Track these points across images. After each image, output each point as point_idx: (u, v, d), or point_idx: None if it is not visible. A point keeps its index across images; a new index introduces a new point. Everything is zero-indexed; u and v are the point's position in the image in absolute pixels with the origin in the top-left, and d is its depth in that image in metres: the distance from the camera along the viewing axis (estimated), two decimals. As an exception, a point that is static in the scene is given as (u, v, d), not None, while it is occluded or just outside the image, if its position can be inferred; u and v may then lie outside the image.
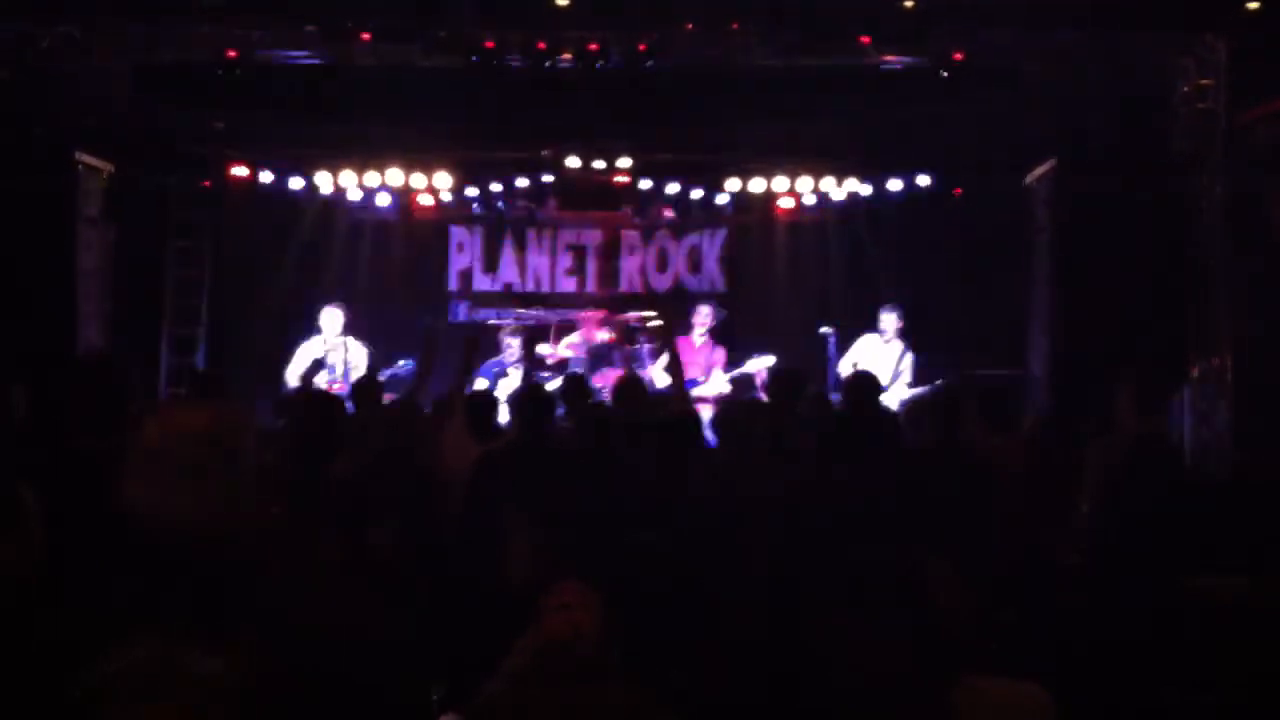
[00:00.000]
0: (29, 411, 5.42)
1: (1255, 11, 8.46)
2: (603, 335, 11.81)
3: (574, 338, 11.72)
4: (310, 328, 10.55)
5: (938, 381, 8.97)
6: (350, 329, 10.45)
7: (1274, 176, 8.89)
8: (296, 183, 11.96)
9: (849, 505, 3.92)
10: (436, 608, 3.83)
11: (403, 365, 10.14)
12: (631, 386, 6.96)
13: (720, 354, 10.60)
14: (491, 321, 12.23)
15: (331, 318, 10.34)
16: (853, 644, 2.44)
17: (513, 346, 10.68)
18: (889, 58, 9.51)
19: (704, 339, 10.73)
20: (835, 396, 8.35)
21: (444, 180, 12.01)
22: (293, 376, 10.24)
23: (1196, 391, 9.41)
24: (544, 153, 11.83)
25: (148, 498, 2.37)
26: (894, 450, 5.06)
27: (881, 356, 10.03)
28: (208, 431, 2.43)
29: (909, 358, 10.01)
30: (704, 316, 10.93)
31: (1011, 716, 2.60)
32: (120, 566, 2.44)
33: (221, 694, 2.05)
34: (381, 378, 8.93)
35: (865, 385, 6.09)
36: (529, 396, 6.20)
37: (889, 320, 10.17)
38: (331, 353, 10.19)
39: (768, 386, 6.59)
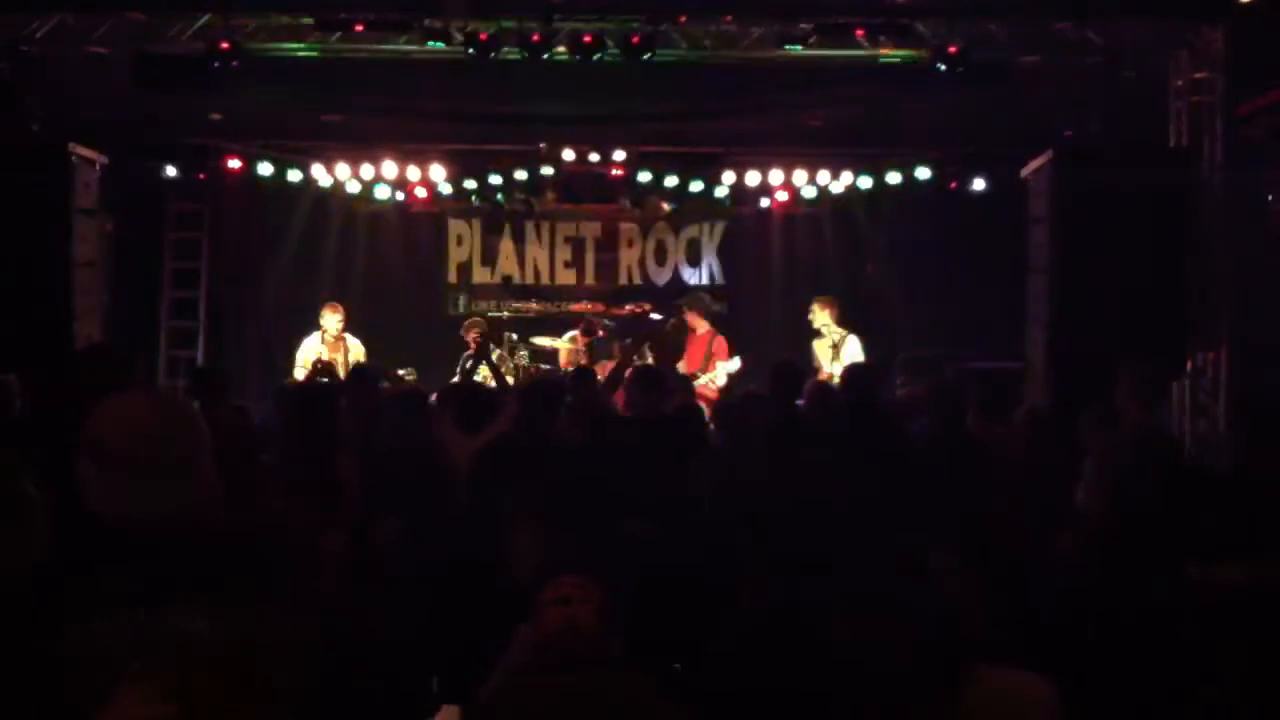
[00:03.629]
0: (26, 403, 5.40)
1: (1252, 3, 8.45)
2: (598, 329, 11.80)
3: (572, 331, 11.72)
4: (308, 320, 10.51)
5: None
6: (348, 325, 10.40)
7: (1272, 168, 8.89)
8: (293, 175, 11.93)
9: (851, 497, 3.92)
10: (438, 601, 3.83)
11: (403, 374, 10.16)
12: (630, 378, 6.93)
13: (721, 345, 10.56)
14: (492, 314, 12.25)
15: (331, 317, 10.26)
16: (858, 635, 2.45)
17: (470, 342, 10.65)
18: (885, 50, 9.51)
19: (706, 331, 10.69)
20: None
21: (440, 173, 11.99)
22: (299, 375, 10.16)
23: (1195, 383, 9.42)
24: (540, 145, 11.82)
25: (99, 492, 2.30)
26: (895, 442, 5.07)
27: (821, 351, 9.89)
28: (147, 424, 2.34)
29: (852, 342, 9.82)
30: (695, 315, 10.83)
31: (1015, 706, 2.61)
32: (118, 559, 2.42)
33: (209, 659, 2.02)
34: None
35: (864, 377, 6.08)
36: (536, 390, 6.19)
37: (816, 312, 9.92)
38: (332, 353, 10.12)
39: (769, 381, 6.52)
